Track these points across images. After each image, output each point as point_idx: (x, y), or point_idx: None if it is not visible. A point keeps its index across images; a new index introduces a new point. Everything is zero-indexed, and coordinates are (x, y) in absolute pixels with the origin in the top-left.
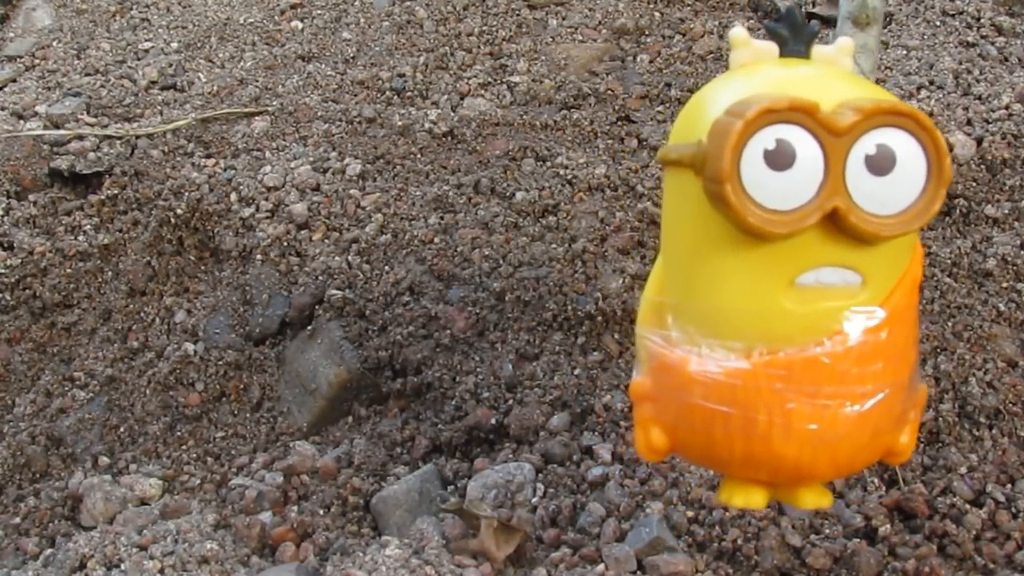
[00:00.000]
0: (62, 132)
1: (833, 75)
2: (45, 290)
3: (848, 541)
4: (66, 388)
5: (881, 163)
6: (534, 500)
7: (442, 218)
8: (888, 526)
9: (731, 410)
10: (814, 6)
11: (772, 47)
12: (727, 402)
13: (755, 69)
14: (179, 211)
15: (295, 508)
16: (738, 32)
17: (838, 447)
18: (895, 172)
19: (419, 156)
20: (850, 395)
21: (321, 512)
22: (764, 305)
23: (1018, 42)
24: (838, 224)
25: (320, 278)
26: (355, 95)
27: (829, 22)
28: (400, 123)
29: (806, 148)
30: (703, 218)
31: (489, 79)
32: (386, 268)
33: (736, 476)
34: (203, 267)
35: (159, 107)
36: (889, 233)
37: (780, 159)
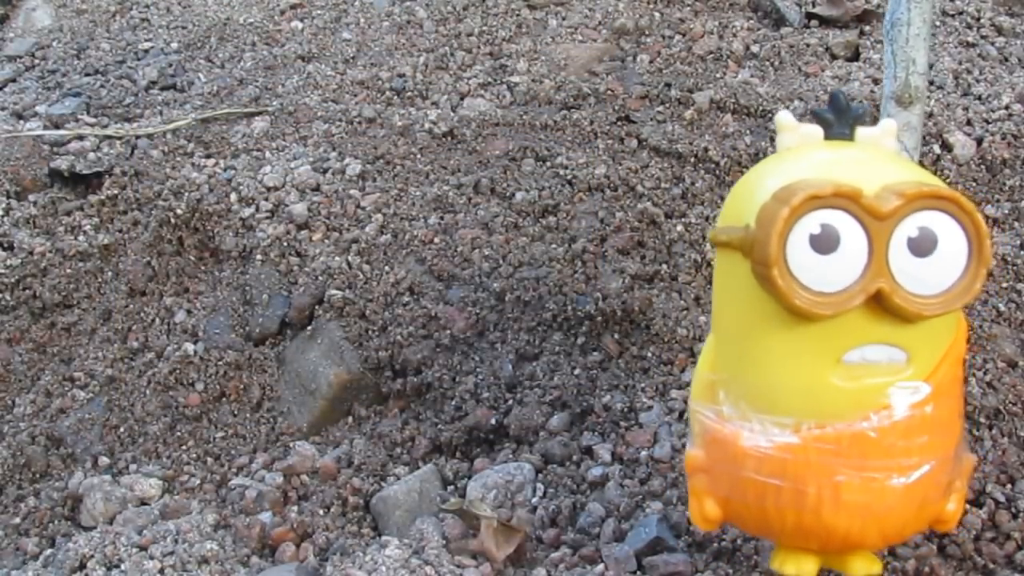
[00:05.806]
0: (62, 132)
1: (877, 158)
2: (45, 290)
3: None
4: (66, 388)
5: (923, 245)
6: (534, 500)
7: (442, 218)
8: None
9: (782, 483)
10: (814, 6)
11: (817, 130)
12: (778, 475)
13: (801, 153)
14: (179, 211)
15: (295, 508)
16: (785, 116)
17: (886, 518)
18: (937, 253)
19: (419, 156)
20: (897, 468)
21: (321, 512)
22: (812, 382)
23: (1018, 42)
24: (882, 304)
25: (320, 278)
26: (355, 95)
27: (829, 22)
28: (400, 123)
29: (850, 232)
30: (753, 298)
31: (489, 79)
32: (386, 268)
33: (788, 545)
34: (203, 267)
35: (159, 107)
36: (932, 312)
37: (825, 243)
